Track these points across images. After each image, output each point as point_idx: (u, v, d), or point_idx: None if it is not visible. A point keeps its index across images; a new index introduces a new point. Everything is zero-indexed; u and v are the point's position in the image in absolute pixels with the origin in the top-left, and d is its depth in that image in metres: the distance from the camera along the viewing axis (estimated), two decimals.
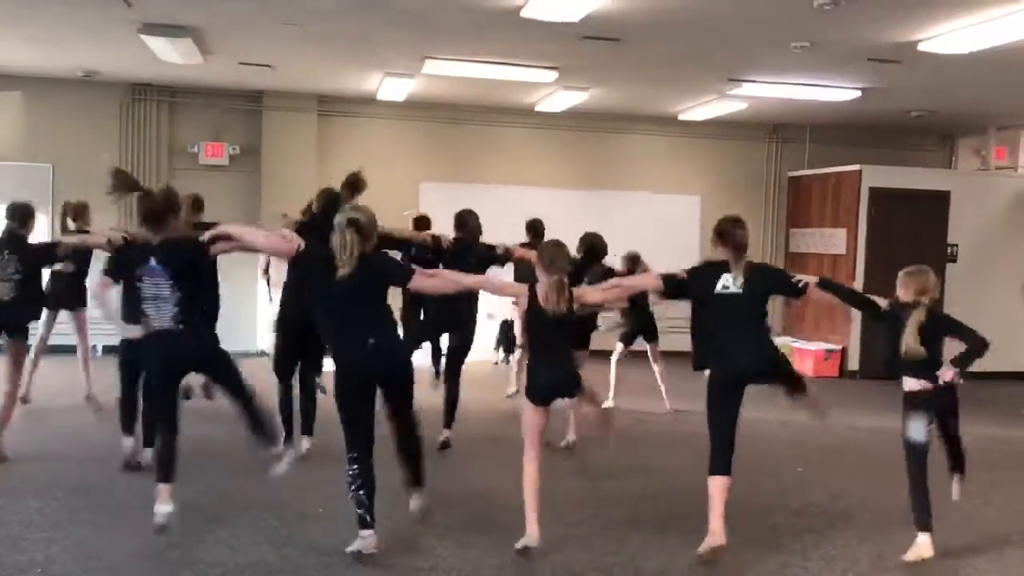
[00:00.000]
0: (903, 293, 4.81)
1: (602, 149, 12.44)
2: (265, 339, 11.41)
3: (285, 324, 6.36)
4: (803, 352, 11.65)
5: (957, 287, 10.88)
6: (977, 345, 4.73)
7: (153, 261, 4.71)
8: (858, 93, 9.71)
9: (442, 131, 12.00)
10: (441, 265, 6.44)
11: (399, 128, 11.95)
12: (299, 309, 5.92)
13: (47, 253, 6.41)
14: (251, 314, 11.39)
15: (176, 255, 4.73)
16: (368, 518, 4.47)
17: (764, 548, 4.94)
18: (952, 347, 4.81)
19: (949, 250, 11.68)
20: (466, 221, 6.75)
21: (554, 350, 4.64)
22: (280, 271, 10.75)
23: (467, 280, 5.10)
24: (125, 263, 5.21)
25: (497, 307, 10.27)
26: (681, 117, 11.93)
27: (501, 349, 11.31)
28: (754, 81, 9.49)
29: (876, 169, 11.61)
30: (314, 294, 4.64)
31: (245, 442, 5.16)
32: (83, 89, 10.99)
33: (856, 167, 11.59)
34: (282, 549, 4.65)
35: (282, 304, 6.54)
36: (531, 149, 12.30)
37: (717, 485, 4.68)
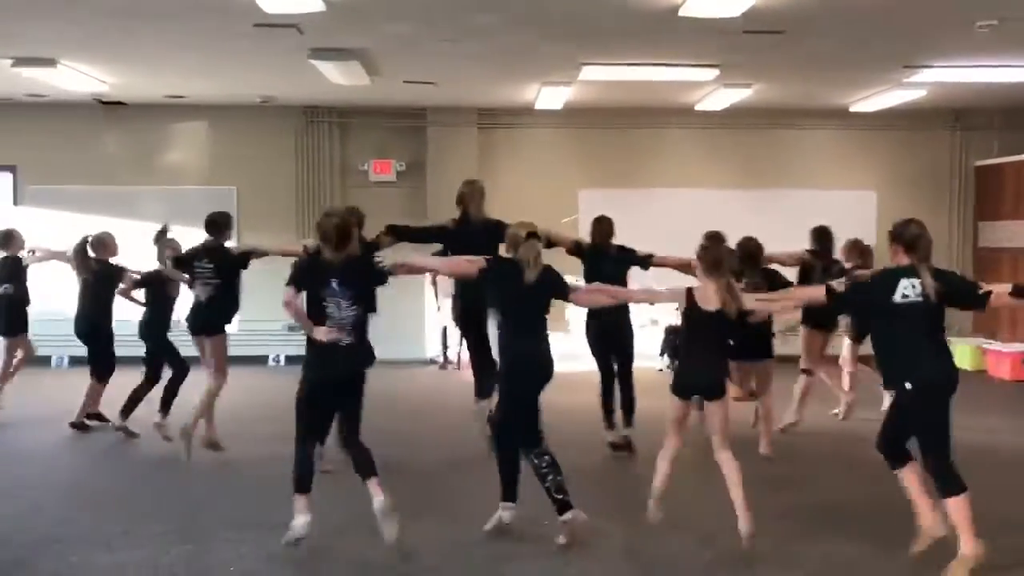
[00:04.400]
0: None
1: (767, 146, 12.02)
2: (433, 346, 11.74)
3: None
4: (998, 355, 10.77)
5: None
6: None
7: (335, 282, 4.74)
8: None
9: (600, 137, 11.95)
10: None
11: (557, 136, 12.00)
12: None
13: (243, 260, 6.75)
14: (419, 323, 11.71)
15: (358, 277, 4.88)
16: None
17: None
18: None
19: None
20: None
21: None
22: (448, 280, 11.09)
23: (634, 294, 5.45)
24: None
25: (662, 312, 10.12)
26: (852, 109, 11.34)
27: (666, 355, 11.11)
28: (933, 66, 8.89)
29: None
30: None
31: None
32: (261, 114, 11.69)
33: None
34: None
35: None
36: (692, 150, 12.04)
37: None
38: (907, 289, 4.38)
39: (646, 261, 6.79)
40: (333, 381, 4.80)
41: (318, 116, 11.83)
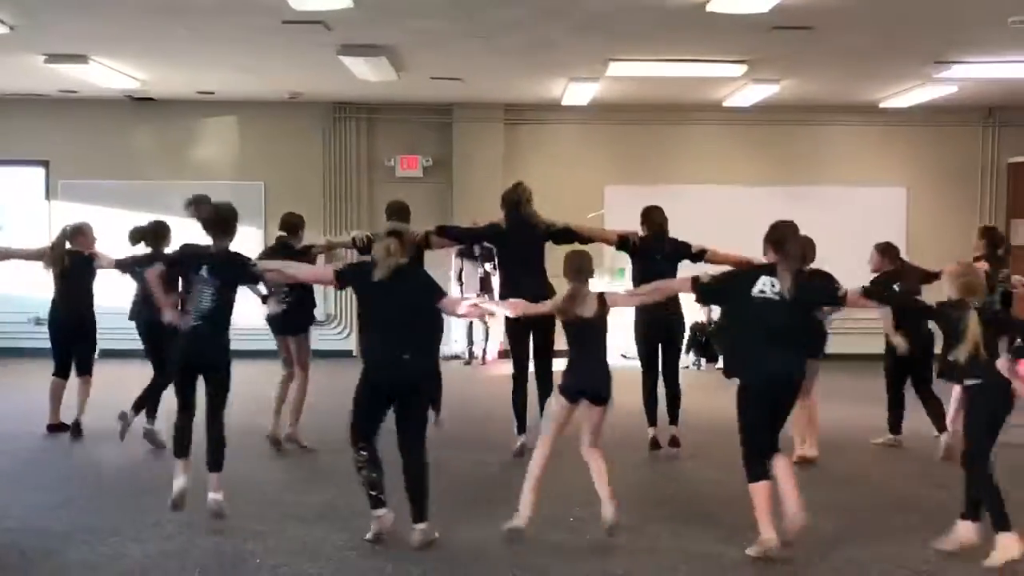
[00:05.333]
0: (951, 292, 4.60)
1: (796, 143, 11.93)
2: (459, 343, 11.77)
3: None
4: None
5: None
6: None
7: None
8: None
9: (626, 133, 11.92)
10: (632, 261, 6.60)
11: (584, 132, 11.98)
12: None
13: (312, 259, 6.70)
14: (445, 318, 11.73)
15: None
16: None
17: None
18: None
19: None
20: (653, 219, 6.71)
21: None
22: (473, 275, 11.14)
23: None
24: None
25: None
26: (883, 105, 11.23)
27: (692, 352, 11.07)
28: (966, 62, 8.79)
29: None
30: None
31: None
32: (289, 110, 11.77)
33: None
34: None
35: None
36: (720, 146, 11.97)
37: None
38: (765, 286, 4.54)
39: (699, 256, 6.60)
40: (184, 366, 5.07)
41: (346, 112, 11.89)
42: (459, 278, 11.30)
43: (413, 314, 4.80)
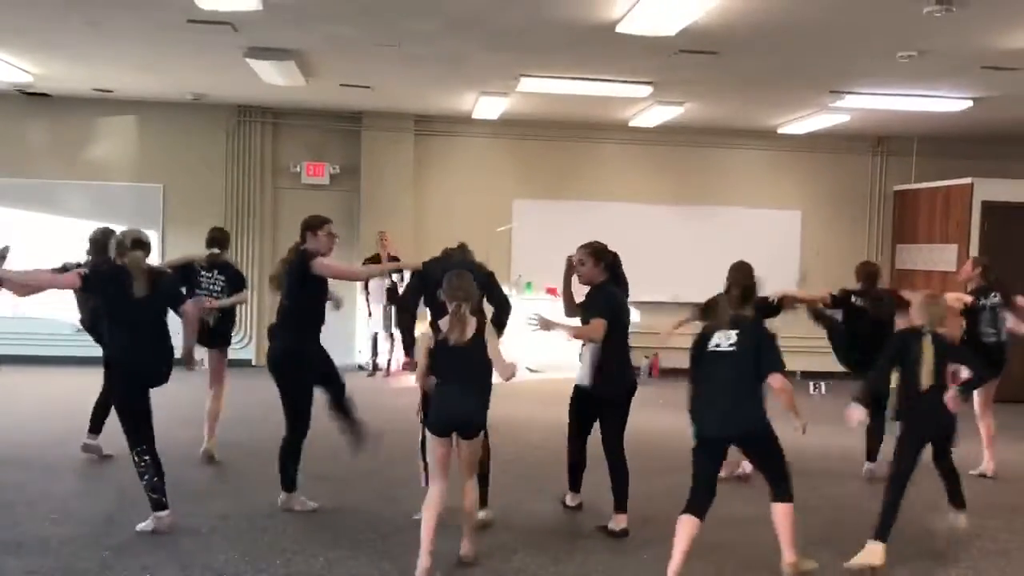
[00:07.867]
0: (916, 318, 4.94)
1: (698, 164, 12.26)
2: (363, 353, 11.65)
3: None
4: None
5: None
6: (981, 374, 5.10)
7: None
8: (970, 103, 9.31)
9: (535, 148, 12.04)
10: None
11: (493, 146, 12.04)
12: None
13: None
14: (349, 330, 11.60)
15: None
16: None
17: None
18: None
19: None
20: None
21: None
22: (380, 287, 11.02)
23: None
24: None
25: None
26: (780, 131, 11.66)
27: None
28: (858, 93, 9.20)
29: (990, 182, 11.09)
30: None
31: None
32: (192, 112, 11.45)
33: (967, 180, 11.09)
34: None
35: None
36: (625, 165, 12.21)
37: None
38: (720, 339, 4.48)
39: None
40: None
41: (250, 115, 11.64)
42: (365, 287, 11.18)
43: (161, 319, 5.17)
